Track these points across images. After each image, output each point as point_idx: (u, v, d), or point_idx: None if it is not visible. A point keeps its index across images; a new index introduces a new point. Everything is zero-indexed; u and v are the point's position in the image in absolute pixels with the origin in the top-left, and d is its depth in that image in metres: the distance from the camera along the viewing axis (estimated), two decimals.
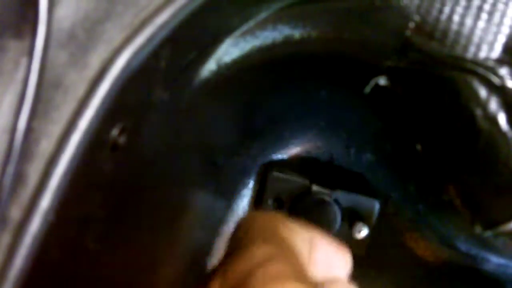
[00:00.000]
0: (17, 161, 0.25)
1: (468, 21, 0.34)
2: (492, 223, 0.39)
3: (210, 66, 0.37)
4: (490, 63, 0.34)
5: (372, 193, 0.49)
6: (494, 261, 0.46)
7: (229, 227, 0.51)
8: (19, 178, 0.26)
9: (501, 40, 0.34)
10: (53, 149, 0.26)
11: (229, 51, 0.37)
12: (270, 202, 0.49)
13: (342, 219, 0.48)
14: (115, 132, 0.29)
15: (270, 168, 0.50)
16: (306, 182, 0.49)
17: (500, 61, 0.34)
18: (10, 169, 0.25)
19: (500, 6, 0.34)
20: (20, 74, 0.27)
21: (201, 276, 0.31)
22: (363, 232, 0.47)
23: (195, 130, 0.41)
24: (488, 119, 0.35)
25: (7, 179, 0.25)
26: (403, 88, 0.39)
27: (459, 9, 0.34)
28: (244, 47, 0.37)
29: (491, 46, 0.34)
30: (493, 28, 0.34)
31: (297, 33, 0.37)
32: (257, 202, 0.51)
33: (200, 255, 0.49)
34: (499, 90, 0.34)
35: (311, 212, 0.48)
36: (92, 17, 0.28)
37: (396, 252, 0.49)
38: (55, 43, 0.27)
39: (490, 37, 0.34)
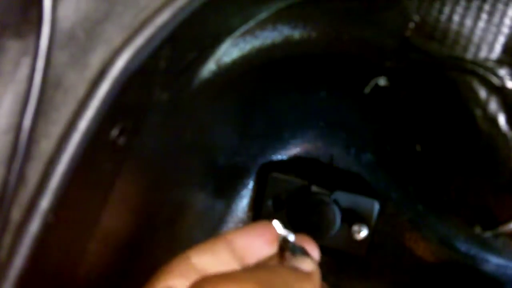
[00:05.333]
0: (21, 161, 0.25)
1: (468, 22, 0.34)
2: (491, 224, 0.39)
3: (210, 66, 0.37)
4: (490, 64, 0.34)
5: (372, 193, 0.49)
6: (494, 261, 0.46)
7: (228, 228, 0.51)
8: (19, 178, 0.26)
9: (501, 40, 0.34)
10: (53, 149, 0.26)
11: (229, 51, 0.37)
12: (269, 202, 0.49)
13: (342, 220, 0.48)
14: (115, 132, 0.29)
15: (269, 168, 0.50)
16: (306, 182, 0.49)
17: (500, 62, 0.34)
18: (15, 169, 0.25)
19: (500, 6, 0.34)
20: (20, 74, 0.27)
21: None
22: (362, 233, 0.47)
23: (195, 130, 0.41)
24: (488, 119, 0.35)
25: (12, 179, 0.25)
26: (403, 89, 0.39)
27: (459, 9, 0.34)
28: (244, 48, 0.37)
29: (491, 47, 0.34)
30: (493, 29, 0.34)
31: (297, 34, 0.37)
32: (256, 202, 0.51)
33: None
34: (498, 90, 0.34)
35: (310, 213, 0.48)
36: (92, 18, 0.28)
37: (396, 252, 0.49)
38: (55, 44, 0.27)
39: (490, 38, 0.34)
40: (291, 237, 0.31)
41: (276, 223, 0.31)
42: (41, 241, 0.26)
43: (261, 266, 0.30)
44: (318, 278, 0.30)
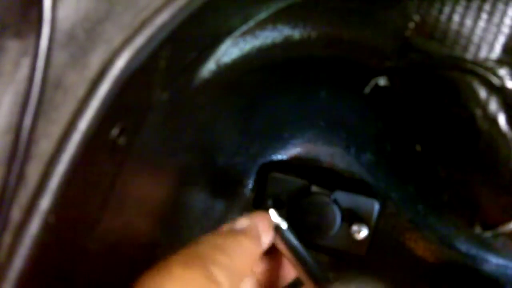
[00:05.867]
0: (21, 161, 0.25)
1: (468, 21, 0.34)
2: (491, 224, 0.39)
3: (209, 67, 0.37)
4: (490, 64, 0.34)
5: (371, 193, 0.49)
6: (494, 261, 0.46)
7: None
8: (19, 178, 0.26)
9: (501, 40, 0.34)
10: (53, 149, 0.26)
11: (229, 51, 0.37)
12: (269, 202, 0.49)
13: (342, 220, 0.48)
14: (115, 132, 0.29)
15: (269, 168, 0.50)
16: (306, 182, 0.48)
17: (500, 62, 0.34)
18: (15, 169, 0.25)
19: (500, 6, 0.34)
20: (20, 74, 0.27)
21: None
22: (362, 233, 0.47)
23: (195, 130, 0.41)
24: (488, 119, 0.35)
25: (12, 179, 0.25)
26: (403, 89, 0.39)
27: (459, 9, 0.34)
28: (244, 48, 0.37)
29: (491, 47, 0.34)
30: (493, 28, 0.34)
31: (297, 34, 0.37)
32: (256, 202, 0.51)
33: None
34: (498, 90, 0.34)
35: (310, 213, 0.48)
36: (92, 18, 0.28)
37: (396, 253, 0.49)
38: (55, 44, 0.27)
39: (490, 37, 0.34)
40: (284, 225, 0.36)
41: (271, 212, 0.36)
42: (41, 241, 0.26)
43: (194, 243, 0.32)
44: (254, 231, 0.34)
